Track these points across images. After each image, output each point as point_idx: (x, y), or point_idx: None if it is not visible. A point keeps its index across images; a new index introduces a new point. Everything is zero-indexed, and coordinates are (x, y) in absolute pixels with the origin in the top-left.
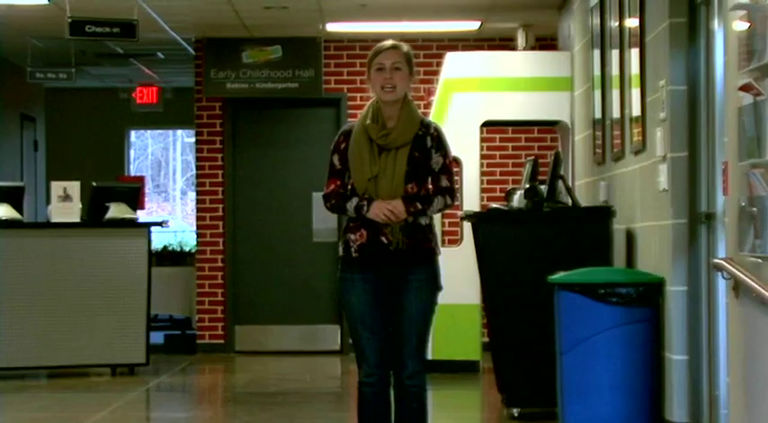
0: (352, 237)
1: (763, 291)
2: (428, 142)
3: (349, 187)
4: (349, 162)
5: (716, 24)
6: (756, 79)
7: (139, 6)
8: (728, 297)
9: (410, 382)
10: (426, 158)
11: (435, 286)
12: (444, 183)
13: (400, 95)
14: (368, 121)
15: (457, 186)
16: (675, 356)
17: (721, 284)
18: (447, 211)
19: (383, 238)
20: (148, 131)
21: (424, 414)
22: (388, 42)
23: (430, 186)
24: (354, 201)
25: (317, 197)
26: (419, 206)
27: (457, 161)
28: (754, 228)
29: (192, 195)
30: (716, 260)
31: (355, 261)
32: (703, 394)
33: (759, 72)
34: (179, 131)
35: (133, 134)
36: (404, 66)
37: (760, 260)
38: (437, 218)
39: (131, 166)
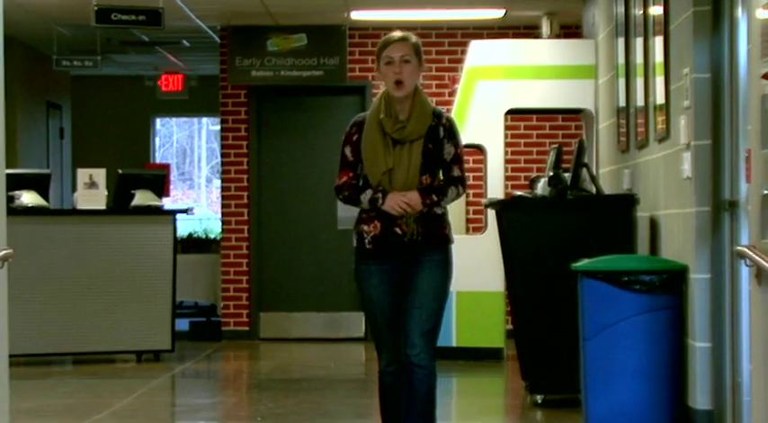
0: (366, 228)
1: None
2: (440, 132)
3: (362, 180)
4: (362, 154)
5: (740, 12)
6: None
7: None
8: (751, 284)
9: (418, 362)
10: (439, 149)
11: (448, 270)
12: (456, 172)
13: (410, 89)
14: (381, 115)
15: (468, 174)
16: (698, 343)
17: (744, 272)
18: (471, 199)
19: (397, 229)
20: (173, 119)
21: (431, 401)
22: (396, 34)
23: (441, 177)
24: (369, 193)
25: None
26: (434, 198)
27: (481, 149)
28: None
29: (217, 183)
30: (738, 247)
31: (370, 252)
32: (726, 381)
33: None
34: (204, 119)
35: (158, 122)
36: (413, 58)
37: None
38: (461, 206)
39: (157, 154)
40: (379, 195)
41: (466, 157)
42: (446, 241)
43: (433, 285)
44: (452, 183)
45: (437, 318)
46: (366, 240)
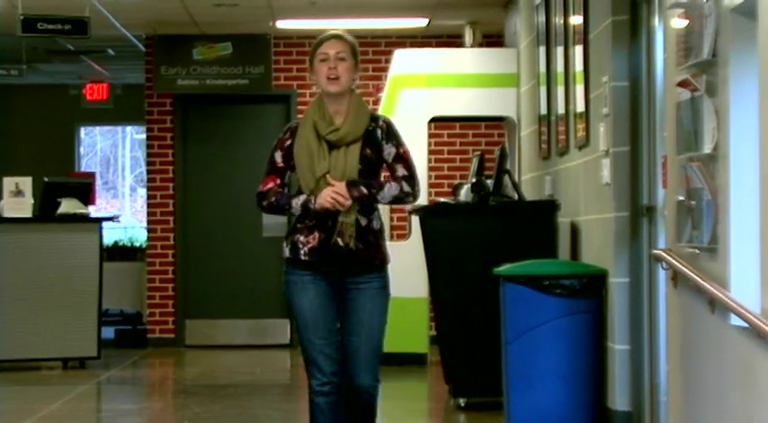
0: (303, 238)
1: (699, 280)
2: (378, 135)
3: (286, 189)
4: (296, 159)
5: (656, 22)
6: (694, 75)
7: (91, 3)
8: (668, 287)
9: (367, 387)
10: (378, 152)
11: (388, 296)
12: (401, 171)
13: (345, 87)
14: (315, 117)
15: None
16: (618, 346)
17: (662, 276)
18: (395, 206)
19: (338, 240)
20: (97, 128)
21: (375, 415)
22: (331, 32)
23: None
24: (302, 197)
25: None
26: (364, 191)
27: None
28: (692, 219)
29: (141, 192)
30: (655, 251)
31: (305, 264)
32: (644, 383)
33: (696, 68)
34: (128, 128)
35: (83, 131)
36: (348, 56)
37: (697, 250)
38: (385, 212)
39: (81, 163)
40: (312, 198)
41: None
42: (384, 262)
43: (376, 315)
44: (395, 180)
45: (381, 346)
46: (302, 251)
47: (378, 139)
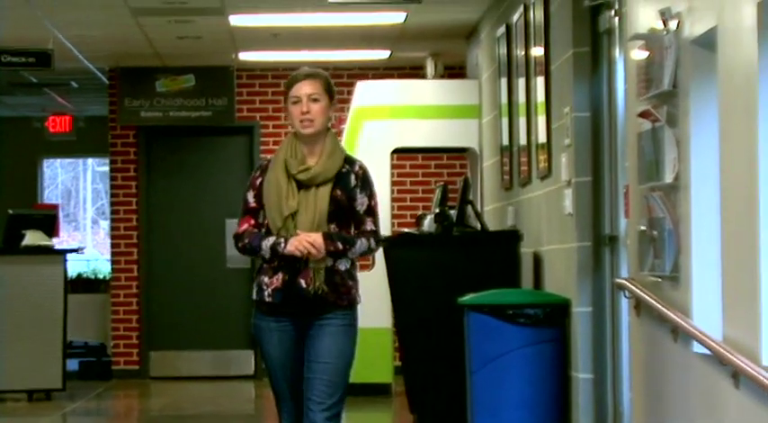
0: (267, 280)
1: (662, 308)
2: (352, 181)
3: (264, 229)
4: (264, 198)
5: (617, 53)
6: (654, 106)
7: (54, 36)
8: (630, 315)
9: None
10: (350, 199)
11: (352, 336)
12: (369, 226)
13: (320, 128)
14: (286, 156)
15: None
16: (581, 375)
17: (624, 304)
18: None
19: (301, 282)
20: (58, 161)
21: None
22: (304, 71)
23: (353, 229)
24: (271, 239)
25: (231, 223)
26: (340, 247)
27: None
28: (654, 248)
29: (103, 224)
30: (618, 280)
31: (270, 307)
32: (608, 411)
33: (657, 99)
34: (89, 160)
35: (45, 163)
36: (322, 96)
37: (659, 279)
38: None
39: (43, 196)
40: (282, 240)
41: None
42: (352, 303)
43: (334, 350)
44: (364, 235)
45: (342, 390)
46: (266, 293)
47: (350, 184)
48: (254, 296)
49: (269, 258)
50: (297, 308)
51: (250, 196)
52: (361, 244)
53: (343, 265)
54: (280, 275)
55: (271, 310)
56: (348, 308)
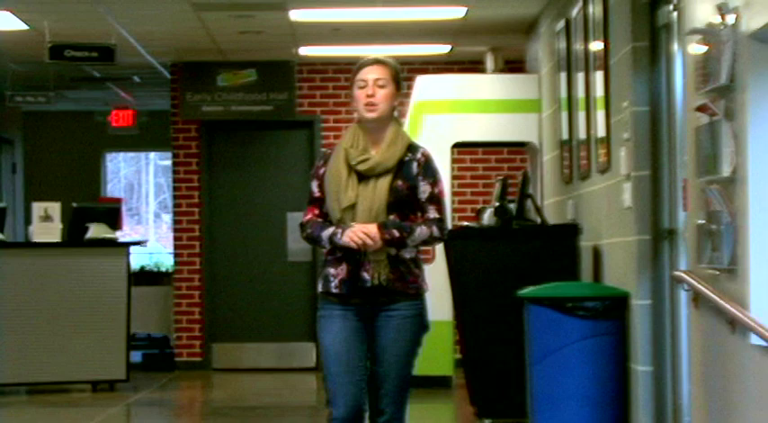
0: (332, 271)
1: (719, 301)
2: (414, 169)
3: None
4: (325, 188)
5: (676, 47)
6: (712, 100)
7: (117, 31)
8: (689, 308)
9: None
10: (413, 187)
11: (420, 325)
12: (432, 214)
13: (384, 114)
14: (347, 146)
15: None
16: (640, 367)
17: (683, 297)
18: None
19: (365, 274)
20: (120, 154)
21: None
22: (372, 57)
23: (419, 220)
24: (329, 230)
25: (292, 217)
26: (396, 234)
27: None
28: (711, 241)
29: (166, 218)
30: (676, 272)
31: (336, 297)
32: (667, 403)
33: (714, 93)
34: (151, 154)
35: (107, 157)
36: (389, 83)
37: (717, 272)
38: None
39: (106, 189)
40: (339, 231)
41: None
42: (419, 291)
43: (403, 349)
44: (426, 223)
45: (407, 379)
46: (332, 284)
47: (412, 173)
48: (320, 288)
49: (331, 249)
50: (364, 298)
51: (314, 186)
52: (422, 231)
53: (407, 254)
54: (344, 266)
55: (337, 299)
56: (415, 297)
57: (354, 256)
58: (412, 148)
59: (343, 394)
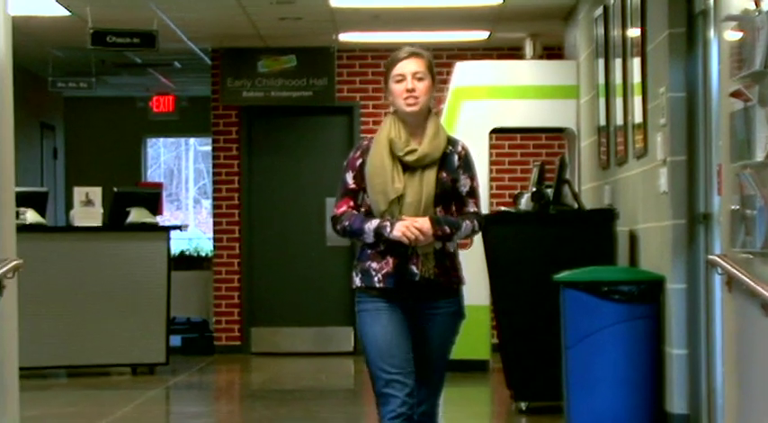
0: (375, 265)
1: (752, 284)
2: (455, 161)
3: (363, 209)
4: (367, 180)
5: (712, 34)
6: (746, 86)
7: (159, 17)
8: (723, 292)
9: (423, 419)
10: (454, 180)
11: (460, 317)
12: (472, 208)
13: (424, 107)
14: (391, 136)
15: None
16: (675, 351)
17: (718, 282)
18: None
19: (413, 267)
20: (161, 140)
21: None
22: (406, 49)
23: (455, 211)
24: (375, 222)
25: (330, 202)
26: (447, 230)
27: None
28: (745, 225)
29: (205, 203)
30: (711, 257)
31: (380, 291)
32: (702, 386)
33: (749, 79)
34: (191, 140)
35: (148, 142)
36: (426, 75)
37: (751, 255)
38: None
39: (146, 175)
40: (387, 223)
41: None
42: (460, 285)
43: (446, 343)
44: (467, 217)
45: (444, 374)
46: (376, 279)
47: (454, 166)
48: (358, 283)
49: (372, 242)
50: (409, 293)
51: (349, 177)
52: (466, 226)
53: (452, 247)
54: (390, 260)
55: (381, 294)
56: (456, 293)
57: (400, 250)
58: (451, 140)
59: (397, 393)
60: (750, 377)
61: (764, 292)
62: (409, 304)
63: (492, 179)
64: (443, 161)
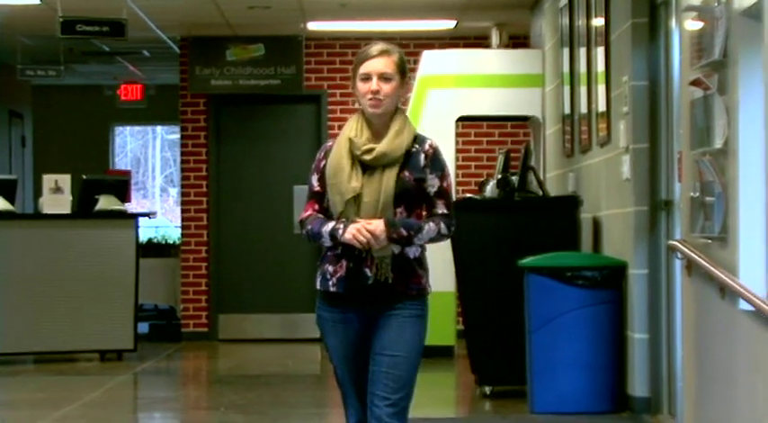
0: (330, 268)
1: (710, 267)
2: (421, 161)
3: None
4: (326, 180)
5: (674, 24)
6: (706, 75)
7: (128, 6)
8: (683, 276)
9: (391, 420)
10: (420, 180)
11: (421, 328)
12: (441, 209)
13: (389, 109)
14: (351, 135)
15: None
16: (637, 335)
17: (678, 267)
18: None
19: (366, 269)
20: (128, 128)
21: None
22: (376, 47)
23: (423, 213)
24: (330, 225)
25: (298, 190)
26: (404, 233)
27: None
28: (704, 211)
29: (172, 192)
30: (671, 242)
31: (334, 297)
32: (662, 369)
33: (708, 68)
34: (158, 128)
35: (116, 130)
36: (394, 75)
37: (709, 240)
38: None
39: (114, 163)
40: (341, 226)
41: None
42: (422, 293)
43: (404, 348)
44: (433, 220)
45: (410, 385)
46: (330, 282)
47: (420, 165)
48: (318, 286)
49: (331, 245)
50: (363, 298)
51: (314, 180)
52: (430, 229)
53: (412, 253)
54: (344, 263)
55: (336, 300)
56: (418, 298)
57: (355, 253)
58: (418, 139)
59: (356, 402)
60: (708, 358)
61: (722, 276)
62: (366, 312)
63: (458, 167)
64: (407, 160)
